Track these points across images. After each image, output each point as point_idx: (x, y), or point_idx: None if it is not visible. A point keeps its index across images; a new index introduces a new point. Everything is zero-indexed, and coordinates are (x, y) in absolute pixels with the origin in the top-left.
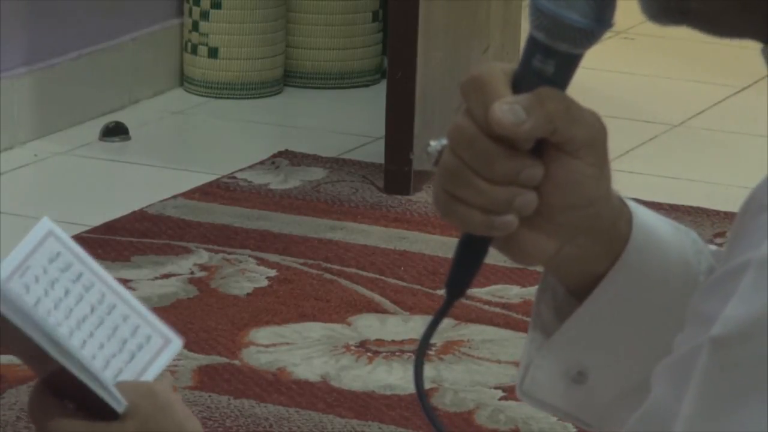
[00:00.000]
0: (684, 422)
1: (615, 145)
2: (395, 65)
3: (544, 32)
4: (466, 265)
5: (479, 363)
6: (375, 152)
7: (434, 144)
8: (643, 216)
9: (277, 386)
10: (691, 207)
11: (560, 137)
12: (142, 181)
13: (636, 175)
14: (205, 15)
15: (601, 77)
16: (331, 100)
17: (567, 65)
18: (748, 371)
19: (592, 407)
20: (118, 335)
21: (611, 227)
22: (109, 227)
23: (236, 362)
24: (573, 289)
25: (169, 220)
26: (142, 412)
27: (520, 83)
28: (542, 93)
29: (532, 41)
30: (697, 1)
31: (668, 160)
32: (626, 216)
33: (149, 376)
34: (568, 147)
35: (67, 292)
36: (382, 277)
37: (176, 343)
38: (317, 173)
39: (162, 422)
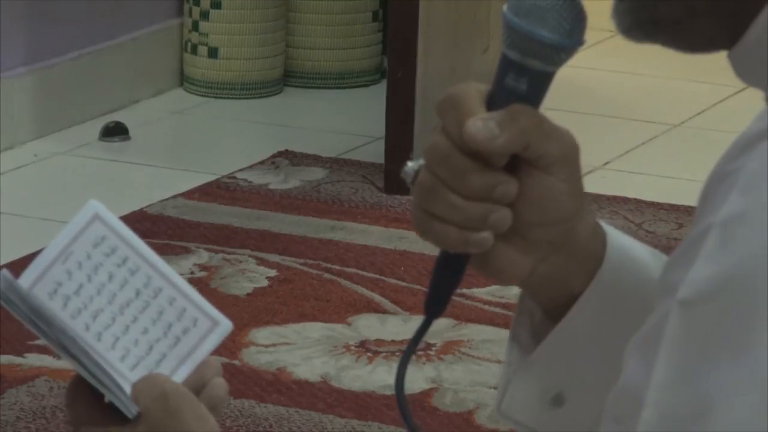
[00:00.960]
0: (655, 389)
1: (615, 145)
2: (395, 65)
3: (516, 50)
4: (444, 285)
5: (479, 363)
6: (375, 152)
7: (411, 164)
8: (617, 237)
9: (277, 386)
10: (690, 207)
11: (533, 153)
12: (142, 181)
13: (636, 175)
14: (205, 15)
15: (601, 77)
16: (331, 100)
17: (539, 83)
18: (717, 331)
19: (571, 430)
20: (164, 319)
21: (585, 245)
22: None
23: (236, 362)
24: (550, 310)
25: (169, 220)
26: (152, 416)
27: (494, 101)
28: (515, 109)
29: (504, 60)
30: (666, 6)
31: (668, 160)
32: (601, 236)
33: (195, 360)
34: (541, 163)
35: (111, 277)
36: (382, 277)
37: (225, 325)
38: (317, 173)
39: (171, 426)
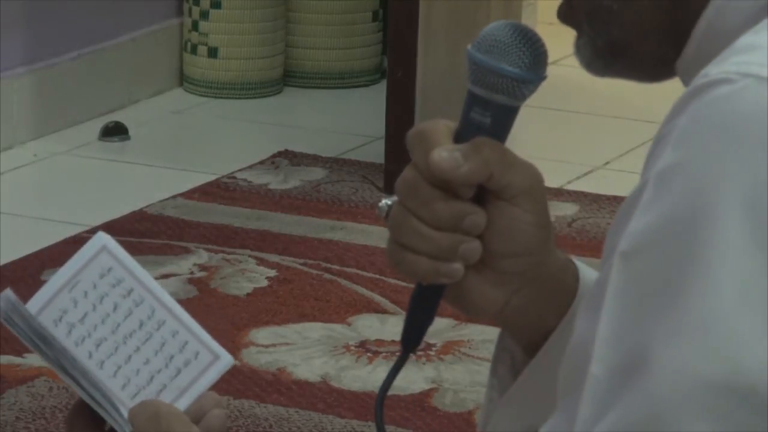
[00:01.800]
0: (600, 342)
1: (615, 145)
2: (395, 65)
3: (480, 85)
4: (420, 319)
5: (479, 363)
6: (375, 152)
7: (385, 200)
8: (590, 273)
9: (277, 386)
10: None
11: (497, 183)
12: (141, 181)
13: (635, 175)
14: (204, 14)
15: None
16: (331, 100)
17: (503, 117)
18: (654, 279)
19: None
20: (166, 351)
21: (557, 279)
22: (109, 227)
23: (236, 362)
24: (527, 347)
25: (169, 220)
26: None
27: (461, 136)
28: (479, 141)
29: (470, 95)
30: (617, 30)
31: None
32: (572, 271)
33: (194, 392)
34: (506, 194)
35: (115, 307)
36: (382, 277)
37: (225, 360)
38: (317, 173)
39: None
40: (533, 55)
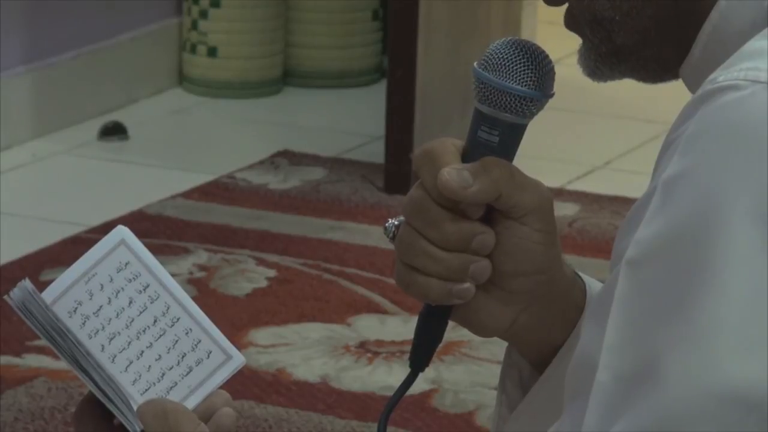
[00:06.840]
0: (607, 351)
1: (616, 144)
2: (395, 64)
3: (487, 103)
4: (428, 339)
5: (479, 364)
6: (375, 152)
7: (391, 221)
8: (597, 286)
9: (277, 387)
10: None
11: (505, 203)
12: (140, 181)
13: (636, 175)
14: (204, 14)
15: None
16: (331, 100)
17: (511, 135)
18: (662, 287)
19: None
20: (178, 348)
21: (565, 296)
22: (108, 227)
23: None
24: (535, 362)
25: (168, 220)
26: None
27: (468, 155)
28: (487, 161)
29: (477, 114)
30: (620, 37)
31: None
32: (580, 286)
33: (204, 391)
34: (515, 213)
35: (131, 302)
36: (382, 277)
37: (237, 360)
38: (317, 173)
39: None
40: (540, 73)
